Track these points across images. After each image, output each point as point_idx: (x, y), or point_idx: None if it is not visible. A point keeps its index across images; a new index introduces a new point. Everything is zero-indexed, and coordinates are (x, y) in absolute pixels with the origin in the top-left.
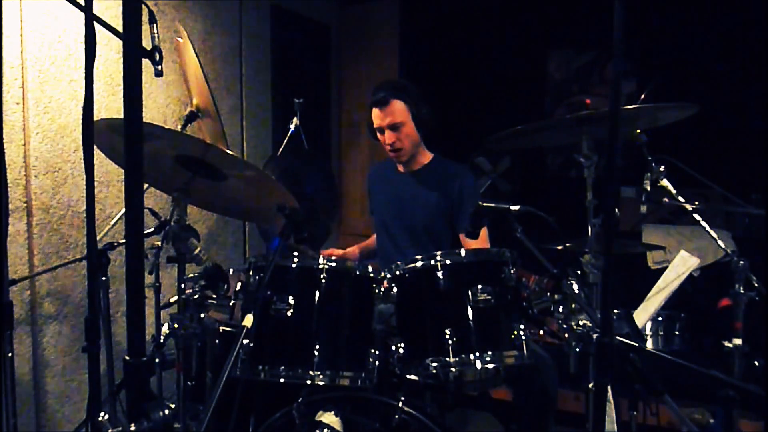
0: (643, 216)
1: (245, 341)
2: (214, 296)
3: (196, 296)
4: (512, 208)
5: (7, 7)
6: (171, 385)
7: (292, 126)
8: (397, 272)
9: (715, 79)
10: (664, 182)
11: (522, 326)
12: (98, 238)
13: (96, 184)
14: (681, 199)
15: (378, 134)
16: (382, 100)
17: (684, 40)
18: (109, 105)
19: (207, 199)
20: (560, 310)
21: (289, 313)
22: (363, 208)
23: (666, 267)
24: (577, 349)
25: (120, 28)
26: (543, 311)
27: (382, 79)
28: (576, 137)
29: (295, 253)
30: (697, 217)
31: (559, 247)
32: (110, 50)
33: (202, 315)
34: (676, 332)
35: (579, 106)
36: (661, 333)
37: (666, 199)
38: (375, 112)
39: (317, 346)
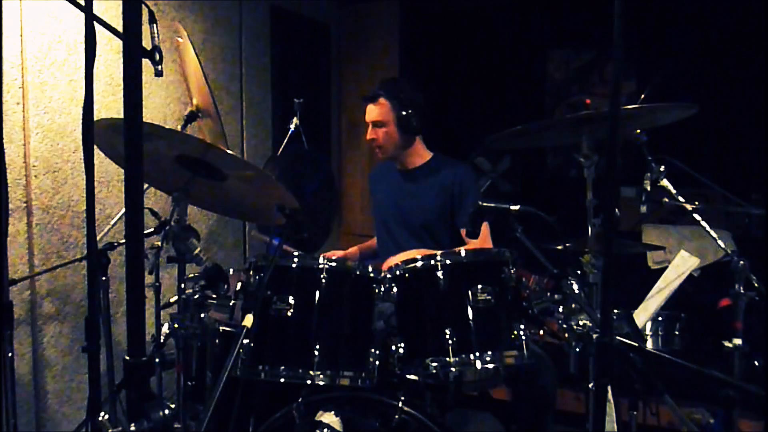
0: (643, 216)
1: (245, 341)
2: (214, 296)
3: (196, 296)
4: (512, 208)
5: (7, 7)
6: (171, 385)
7: (292, 126)
8: (397, 272)
9: (715, 79)
10: (664, 182)
11: (522, 326)
12: (98, 238)
13: (96, 184)
14: (681, 199)
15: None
16: (371, 96)
17: (684, 40)
18: (109, 105)
19: (207, 199)
20: (560, 310)
21: (289, 313)
22: (363, 208)
23: (666, 267)
24: (577, 349)
25: (120, 28)
26: (543, 311)
27: (382, 78)
28: (576, 137)
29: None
30: (697, 217)
31: (559, 247)
32: (110, 50)
33: (202, 315)
34: (676, 332)
35: (579, 106)
36: (661, 333)
37: (666, 199)
38: (366, 106)
39: (317, 346)
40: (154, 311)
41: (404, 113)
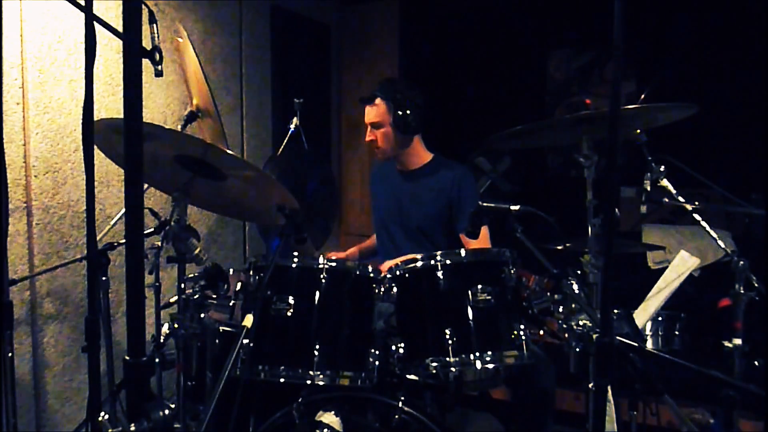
0: (643, 216)
1: (245, 341)
2: (214, 296)
3: (196, 296)
4: (512, 208)
5: (7, 7)
6: (171, 385)
7: (292, 126)
8: (397, 272)
9: (715, 79)
10: (664, 182)
11: (522, 326)
12: (98, 238)
13: (96, 184)
14: (681, 199)
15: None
16: (367, 98)
17: (684, 40)
18: (109, 105)
19: (207, 199)
20: (560, 310)
21: (289, 313)
22: (363, 208)
23: (666, 267)
24: (577, 349)
25: (120, 28)
26: (543, 311)
27: (382, 79)
28: (576, 137)
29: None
30: (697, 217)
31: (559, 247)
32: (110, 50)
33: (202, 315)
34: (676, 332)
35: (579, 106)
36: (661, 333)
37: (666, 199)
38: (365, 108)
39: (317, 346)
40: (154, 311)
41: (400, 113)
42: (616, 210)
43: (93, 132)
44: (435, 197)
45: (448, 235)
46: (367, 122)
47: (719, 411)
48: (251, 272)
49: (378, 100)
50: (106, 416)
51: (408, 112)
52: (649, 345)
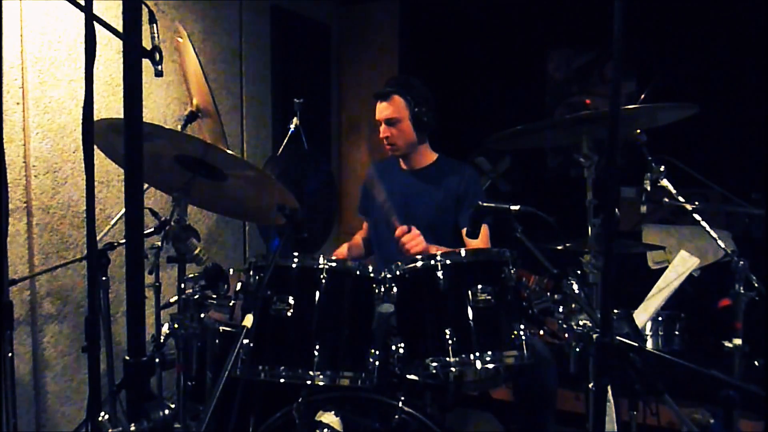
0: (643, 216)
1: (245, 341)
2: (214, 296)
3: (196, 296)
4: (512, 208)
5: (7, 7)
6: (171, 385)
7: (292, 126)
8: (397, 272)
9: (715, 79)
10: (664, 182)
11: (522, 326)
12: (98, 238)
13: (96, 184)
14: (681, 199)
15: (379, 127)
16: (383, 93)
17: (684, 40)
18: (109, 105)
19: (207, 199)
20: (560, 310)
21: (289, 313)
22: None
23: (666, 267)
24: (577, 349)
25: (120, 28)
26: (543, 311)
27: (382, 79)
28: (576, 137)
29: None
30: (697, 217)
31: (559, 247)
32: (110, 50)
33: (202, 315)
34: (676, 332)
35: (579, 106)
36: (661, 333)
37: (666, 199)
38: (377, 104)
39: (317, 346)
40: (154, 311)
41: (418, 109)
42: (616, 210)
43: (93, 132)
44: (444, 196)
45: (454, 233)
46: (380, 118)
47: (719, 411)
48: (251, 272)
49: (395, 96)
50: (106, 416)
51: (424, 108)
52: (649, 345)
